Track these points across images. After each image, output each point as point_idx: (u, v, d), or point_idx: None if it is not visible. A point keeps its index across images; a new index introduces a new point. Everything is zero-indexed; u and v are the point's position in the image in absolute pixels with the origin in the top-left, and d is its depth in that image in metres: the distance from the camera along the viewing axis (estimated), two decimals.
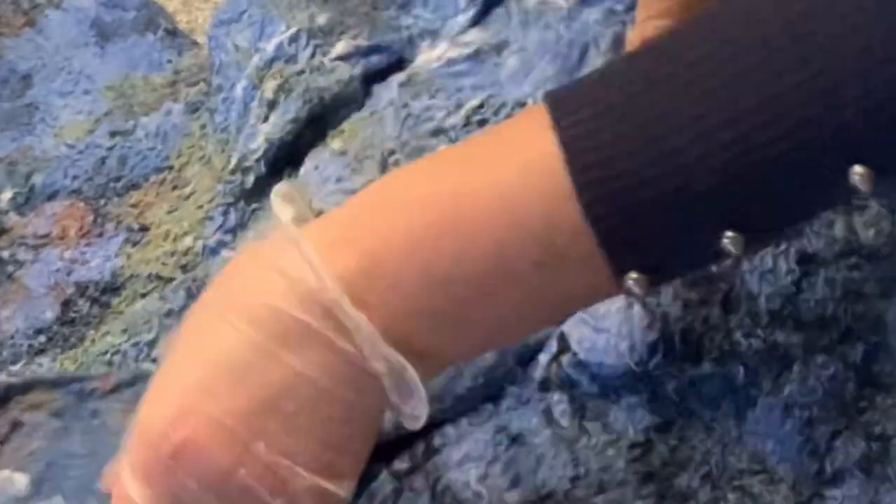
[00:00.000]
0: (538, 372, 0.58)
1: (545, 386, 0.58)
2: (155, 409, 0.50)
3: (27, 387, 0.61)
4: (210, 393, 0.49)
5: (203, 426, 0.49)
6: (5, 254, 0.72)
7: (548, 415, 0.58)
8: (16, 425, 0.60)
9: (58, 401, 0.61)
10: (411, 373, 0.49)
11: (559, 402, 0.58)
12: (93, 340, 0.67)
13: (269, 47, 0.72)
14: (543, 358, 0.58)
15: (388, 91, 0.69)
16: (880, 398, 0.56)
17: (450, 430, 0.58)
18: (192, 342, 0.51)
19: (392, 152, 0.68)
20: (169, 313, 0.65)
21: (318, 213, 0.66)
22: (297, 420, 0.49)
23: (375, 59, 0.71)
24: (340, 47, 0.72)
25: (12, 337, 0.68)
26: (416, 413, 0.50)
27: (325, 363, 0.49)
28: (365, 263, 0.49)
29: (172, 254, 0.70)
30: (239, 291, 0.51)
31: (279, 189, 0.55)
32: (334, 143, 0.70)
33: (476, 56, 0.69)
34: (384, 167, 0.68)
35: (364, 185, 0.66)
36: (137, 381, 0.60)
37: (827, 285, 0.58)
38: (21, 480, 0.58)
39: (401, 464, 0.57)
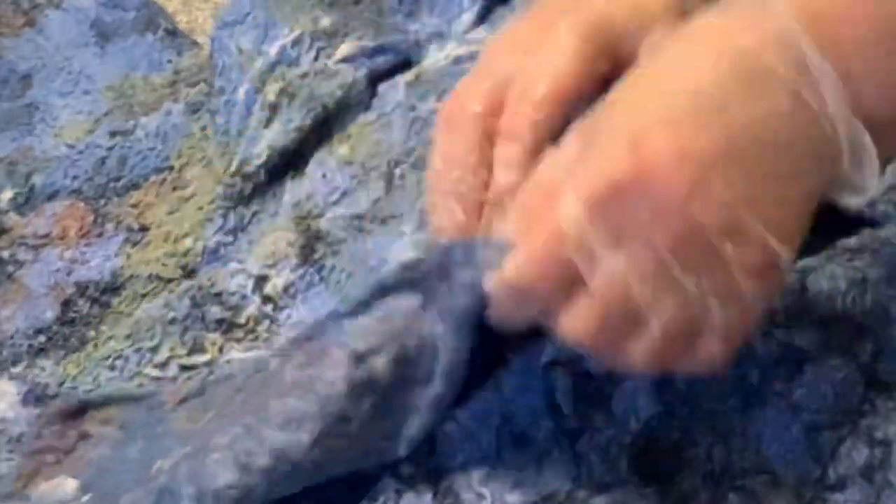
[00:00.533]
0: (546, 353, 0.58)
1: (549, 366, 0.58)
2: (612, 135, 0.49)
3: (105, 402, 0.61)
4: (672, 124, 0.48)
5: (663, 153, 0.47)
6: (5, 254, 0.72)
7: (550, 399, 0.58)
8: (83, 436, 0.60)
9: (127, 414, 0.61)
10: (868, 140, 0.48)
11: (562, 386, 0.58)
12: (95, 345, 0.66)
13: (273, 51, 0.73)
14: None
15: (394, 92, 0.70)
16: (881, 401, 0.57)
17: (453, 427, 0.58)
18: (654, 73, 0.50)
19: (398, 163, 0.68)
20: (173, 321, 0.65)
21: (325, 233, 0.67)
22: (753, 168, 0.48)
23: (381, 60, 0.71)
24: (345, 49, 0.72)
25: (12, 337, 0.68)
26: (866, 185, 0.49)
27: (789, 114, 0.47)
28: (831, 25, 0.48)
29: (173, 255, 0.70)
30: (708, 33, 0.50)
31: None
32: (341, 148, 0.70)
33: None
34: (390, 179, 0.68)
35: (370, 200, 0.67)
36: (206, 389, 0.60)
37: (832, 278, 0.58)
38: (71, 485, 0.58)
39: (404, 466, 0.57)
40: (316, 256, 0.66)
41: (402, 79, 0.71)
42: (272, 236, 0.67)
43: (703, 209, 0.47)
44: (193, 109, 0.76)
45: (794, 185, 0.49)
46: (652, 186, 0.47)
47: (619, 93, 0.51)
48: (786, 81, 0.48)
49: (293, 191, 0.69)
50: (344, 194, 0.68)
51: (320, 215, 0.68)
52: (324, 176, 0.69)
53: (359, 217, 0.67)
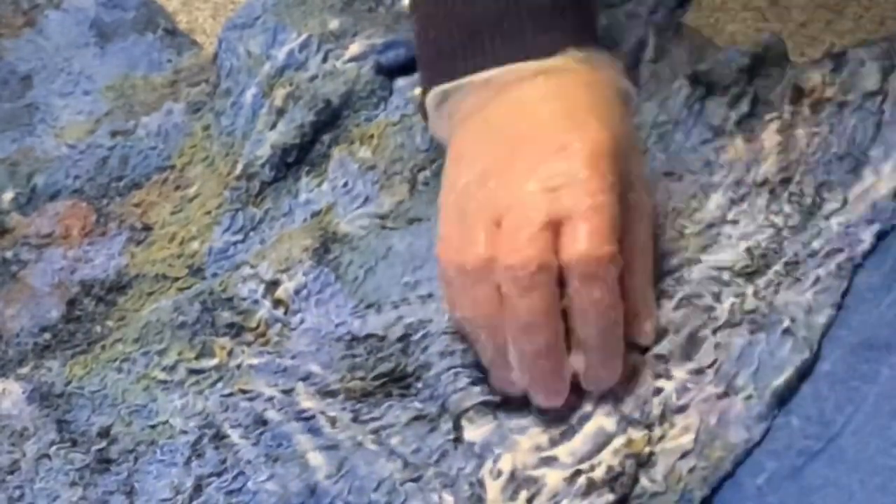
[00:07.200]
0: None
1: None
2: None
3: None
4: None
5: None
6: (8, 254, 0.72)
7: None
8: None
9: None
10: None
11: None
12: (103, 346, 0.66)
13: (281, 55, 0.73)
14: None
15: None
16: None
17: None
18: None
19: (421, 168, 0.69)
20: (182, 325, 0.65)
21: (342, 234, 0.67)
22: None
23: (392, 54, 0.72)
24: (354, 48, 0.72)
25: (17, 335, 0.68)
26: None
27: None
28: None
29: (179, 256, 0.70)
30: None
31: None
32: (363, 150, 0.70)
33: None
34: (413, 184, 0.68)
35: (394, 202, 0.68)
36: None
37: None
38: None
39: None
40: (331, 256, 0.66)
41: None
42: (287, 243, 0.67)
43: None
44: (195, 109, 0.76)
45: None
46: None
47: None
48: None
49: (310, 192, 0.70)
50: (366, 200, 0.68)
51: (340, 221, 0.68)
52: (345, 185, 0.69)
53: (382, 216, 0.68)
